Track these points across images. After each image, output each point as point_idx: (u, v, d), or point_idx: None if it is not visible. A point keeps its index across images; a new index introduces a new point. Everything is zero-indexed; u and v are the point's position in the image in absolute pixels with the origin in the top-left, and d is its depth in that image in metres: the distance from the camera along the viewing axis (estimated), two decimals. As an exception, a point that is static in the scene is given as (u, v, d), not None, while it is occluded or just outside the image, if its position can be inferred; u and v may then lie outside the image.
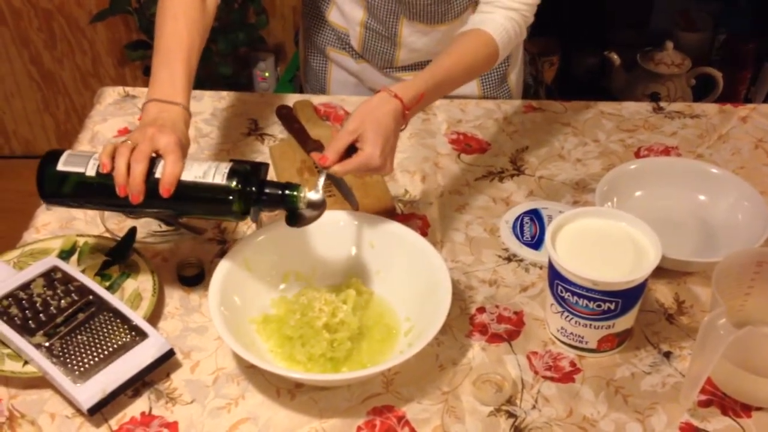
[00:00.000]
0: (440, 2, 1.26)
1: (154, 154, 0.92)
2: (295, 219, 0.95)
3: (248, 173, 0.92)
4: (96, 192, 0.93)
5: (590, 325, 0.94)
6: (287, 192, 0.93)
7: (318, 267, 1.05)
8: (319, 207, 0.95)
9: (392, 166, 1.00)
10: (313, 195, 0.95)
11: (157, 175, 0.91)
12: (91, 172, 0.92)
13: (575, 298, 0.92)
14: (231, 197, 0.91)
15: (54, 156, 0.94)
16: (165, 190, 0.90)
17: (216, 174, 0.91)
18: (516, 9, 1.13)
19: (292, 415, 0.91)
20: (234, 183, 0.91)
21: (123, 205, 0.92)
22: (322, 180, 0.96)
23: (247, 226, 1.14)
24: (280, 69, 2.55)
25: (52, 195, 0.95)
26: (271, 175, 1.19)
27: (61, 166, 0.93)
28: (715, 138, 1.33)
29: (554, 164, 1.28)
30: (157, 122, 0.95)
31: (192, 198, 0.92)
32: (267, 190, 0.93)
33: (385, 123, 0.97)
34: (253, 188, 0.92)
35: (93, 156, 0.94)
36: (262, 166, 0.95)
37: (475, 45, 1.11)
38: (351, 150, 0.97)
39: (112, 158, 0.91)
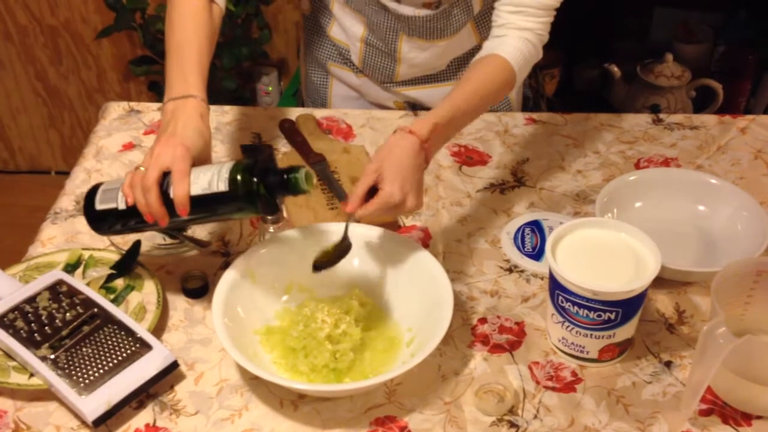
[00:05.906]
0: (438, 19, 1.27)
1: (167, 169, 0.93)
2: (320, 266, 0.97)
3: (249, 170, 0.92)
4: (133, 220, 0.96)
5: (591, 335, 0.95)
6: (289, 176, 0.92)
7: (321, 278, 1.05)
8: (344, 252, 0.98)
9: (421, 202, 1.00)
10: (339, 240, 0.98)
11: (172, 194, 0.92)
12: (122, 205, 0.96)
13: (576, 308, 0.93)
14: (237, 201, 0.92)
15: (92, 195, 0.99)
16: (180, 211, 0.92)
17: (219, 182, 0.92)
18: (530, 29, 1.12)
19: (295, 426, 0.92)
20: (236, 187, 0.91)
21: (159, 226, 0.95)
22: (347, 227, 0.98)
23: (250, 239, 1.15)
24: (283, 83, 2.57)
25: (104, 231, 1.01)
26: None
27: (98, 206, 0.98)
28: (714, 149, 1.34)
29: (555, 176, 1.28)
30: (167, 129, 0.96)
31: (207, 208, 0.94)
32: (270, 179, 0.92)
33: (402, 159, 0.98)
34: (255, 184, 0.92)
35: (121, 187, 0.96)
36: (262, 154, 0.93)
37: (492, 71, 1.10)
38: (375, 192, 0.98)
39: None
